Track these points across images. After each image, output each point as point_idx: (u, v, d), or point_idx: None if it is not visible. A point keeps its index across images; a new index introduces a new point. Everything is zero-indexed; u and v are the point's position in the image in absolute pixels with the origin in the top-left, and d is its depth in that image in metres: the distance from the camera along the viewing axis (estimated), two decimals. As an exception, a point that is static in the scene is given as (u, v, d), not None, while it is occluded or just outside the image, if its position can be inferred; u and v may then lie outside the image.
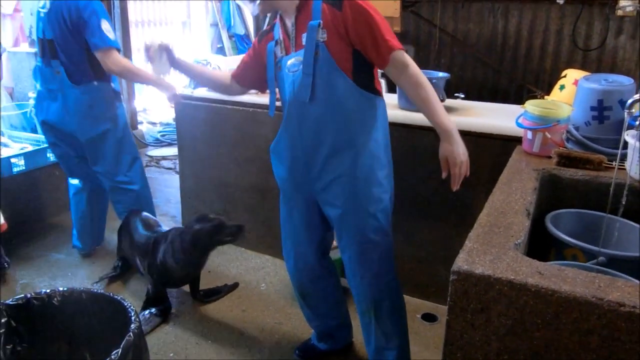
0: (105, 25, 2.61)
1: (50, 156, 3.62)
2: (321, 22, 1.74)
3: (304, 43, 1.78)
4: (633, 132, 1.79)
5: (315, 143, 1.86)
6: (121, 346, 1.60)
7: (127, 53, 5.31)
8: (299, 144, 1.90)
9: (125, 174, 2.96)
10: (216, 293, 2.82)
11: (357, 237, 1.91)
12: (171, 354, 2.35)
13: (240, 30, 6.86)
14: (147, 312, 2.58)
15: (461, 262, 1.24)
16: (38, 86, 2.87)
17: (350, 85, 1.78)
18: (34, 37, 2.83)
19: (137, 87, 5.79)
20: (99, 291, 1.94)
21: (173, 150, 5.15)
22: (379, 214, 1.89)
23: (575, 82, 2.30)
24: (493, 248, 1.31)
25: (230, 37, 6.77)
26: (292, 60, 1.83)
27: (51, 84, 2.77)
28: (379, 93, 1.88)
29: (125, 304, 1.84)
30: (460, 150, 1.75)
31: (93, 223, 3.19)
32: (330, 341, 2.32)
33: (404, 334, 2.06)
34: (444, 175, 1.78)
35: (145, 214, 2.90)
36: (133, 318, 1.77)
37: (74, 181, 3.12)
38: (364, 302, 1.99)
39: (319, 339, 2.33)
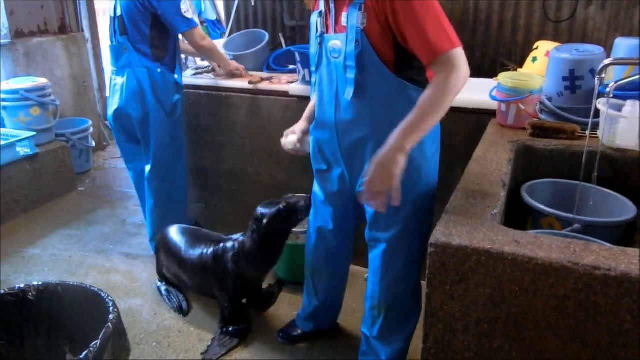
0: (184, 7, 2.64)
1: (20, 150, 3.53)
2: (362, 3, 1.54)
3: (343, 24, 1.61)
4: (604, 100, 1.81)
5: (356, 141, 1.73)
6: (99, 337, 1.58)
7: (96, 42, 5.17)
8: (341, 139, 1.76)
9: (159, 167, 2.86)
10: (271, 296, 2.65)
11: (389, 233, 1.78)
12: (154, 343, 2.33)
13: (212, 16, 6.74)
14: (223, 330, 2.37)
15: (438, 235, 1.24)
16: (111, 67, 2.84)
17: (392, 79, 1.60)
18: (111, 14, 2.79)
19: (108, 77, 5.65)
20: (75, 283, 1.90)
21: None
22: (419, 217, 1.75)
23: (547, 54, 2.30)
24: (470, 219, 1.32)
25: (201, 22, 6.64)
26: (334, 44, 1.66)
27: (120, 61, 2.74)
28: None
29: (103, 295, 1.81)
30: (395, 176, 1.47)
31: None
32: (317, 322, 2.31)
33: (407, 335, 1.97)
34: (363, 180, 1.53)
35: (184, 227, 2.64)
36: (111, 309, 1.75)
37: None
38: (376, 300, 1.91)
39: (306, 319, 2.32)
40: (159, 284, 2.71)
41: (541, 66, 2.41)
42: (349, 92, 1.65)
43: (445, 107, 1.48)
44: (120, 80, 2.76)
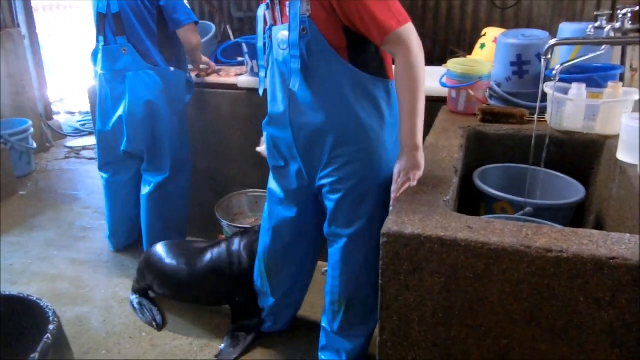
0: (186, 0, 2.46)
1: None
2: None
3: (288, 14, 1.55)
4: (551, 83, 1.82)
5: (313, 134, 1.66)
6: (38, 350, 1.47)
7: (33, 38, 4.91)
8: (296, 134, 1.70)
9: (169, 171, 2.68)
10: None
11: (351, 228, 1.73)
12: (104, 352, 2.21)
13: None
14: (237, 328, 2.27)
15: (391, 224, 1.20)
16: (99, 70, 2.56)
17: (345, 67, 1.55)
18: (95, 13, 2.51)
19: (50, 73, 5.40)
20: (10, 293, 1.78)
21: (94, 140, 4.85)
22: (381, 209, 1.68)
23: (495, 40, 2.31)
24: (422, 207, 1.29)
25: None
26: (282, 35, 1.59)
27: (117, 64, 2.46)
28: (385, 75, 1.62)
29: (42, 304, 1.70)
30: (421, 169, 1.51)
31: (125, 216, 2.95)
32: (276, 321, 2.24)
33: (369, 331, 1.94)
34: (393, 188, 1.51)
35: (173, 242, 2.47)
36: (51, 318, 1.64)
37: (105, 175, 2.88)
38: (336, 295, 1.86)
39: (264, 318, 2.25)
40: (132, 297, 2.53)
41: (489, 52, 2.42)
42: (294, 83, 1.59)
43: (422, 84, 1.50)
44: (117, 86, 2.51)
